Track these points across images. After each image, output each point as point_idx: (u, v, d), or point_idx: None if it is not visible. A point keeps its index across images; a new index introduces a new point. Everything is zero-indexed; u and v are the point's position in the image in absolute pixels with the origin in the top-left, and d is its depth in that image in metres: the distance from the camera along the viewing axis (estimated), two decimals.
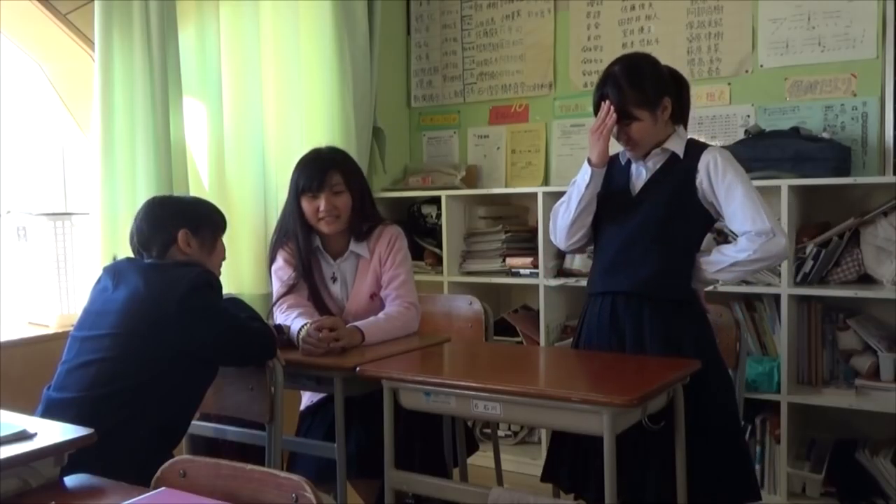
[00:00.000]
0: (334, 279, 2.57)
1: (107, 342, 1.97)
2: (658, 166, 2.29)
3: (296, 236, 2.53)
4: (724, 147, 2.48)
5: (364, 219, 2.55)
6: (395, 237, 2.58)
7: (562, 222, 2.38)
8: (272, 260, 2.60)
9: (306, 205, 2.49)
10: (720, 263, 2.23)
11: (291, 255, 2.55)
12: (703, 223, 2.30)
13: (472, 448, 2.72)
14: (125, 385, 1.92)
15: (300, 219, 2.51)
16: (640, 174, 2.32)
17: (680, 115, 2.32)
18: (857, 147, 3.17)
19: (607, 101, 2.23)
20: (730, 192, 2.18)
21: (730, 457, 2.22)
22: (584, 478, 2.28)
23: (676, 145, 2.27)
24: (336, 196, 2.47)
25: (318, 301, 2.53)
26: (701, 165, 2.22)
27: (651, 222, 2.25)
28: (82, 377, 1.95)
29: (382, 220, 2.63)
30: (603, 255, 2.37)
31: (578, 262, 3.46)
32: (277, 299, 2.53)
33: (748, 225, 2.17)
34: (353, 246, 2.56)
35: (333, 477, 2.25)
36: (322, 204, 2.46)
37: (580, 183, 2.32)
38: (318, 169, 2.48)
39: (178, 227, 2.13)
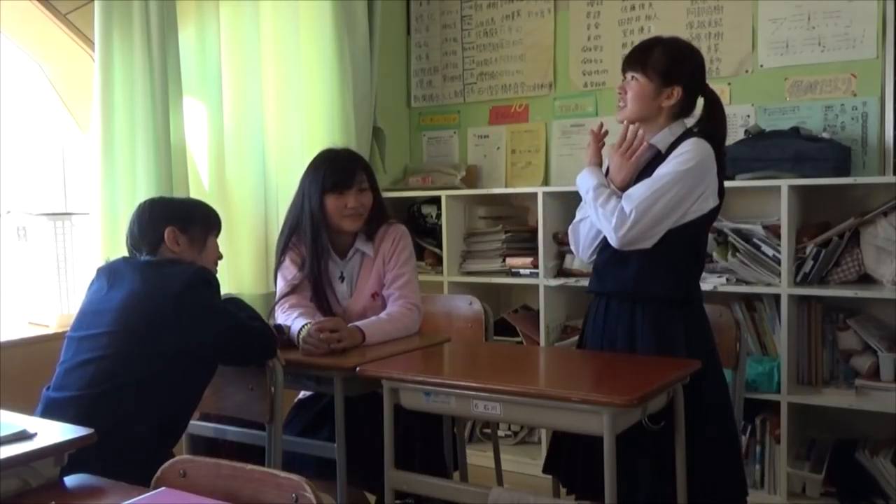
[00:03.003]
0: (342, 278, 2.58)
1: (104, 340, 1.97)
2: (644, 164, 2.24)
3: (311, 236, 2.50)
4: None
5: (377, 217, 2.57)
6: (399, 236, 2.58)
7: (585, 241, 2.37)
8: (279, 259, 2.58)
9: (332, 201, 2.47)
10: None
11: (299, 255, 2.54)
12: (689, 219, 2.18)
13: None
14: (125, 382, 1.92)
15: (320, 218, 2.49)
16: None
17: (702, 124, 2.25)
18: (857, 147, 3.17)
19: (636, 125, 2.19)
20: (661, 169, 2.14)
21: (719, 458, 2.20)
22: (582, 477, 2.28)
23: (662, 141, 2.22)
24: (362, 193, 2.50)
25: (322, 301, 2.53)
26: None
27: None
28: (81, 376, 1.95)
29: (388, 218, 2.64)
30: (599, 254, 2.36)
31: (578, 262, 3.46)
32: (280, 298, 2.52)
33: (630, 196, 2.14)
34: (358, 244, 2.56)
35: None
36: (351, 201, 2.47)
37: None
38: (346, 166, 2.51)
39: (166, 225, 2.12)
